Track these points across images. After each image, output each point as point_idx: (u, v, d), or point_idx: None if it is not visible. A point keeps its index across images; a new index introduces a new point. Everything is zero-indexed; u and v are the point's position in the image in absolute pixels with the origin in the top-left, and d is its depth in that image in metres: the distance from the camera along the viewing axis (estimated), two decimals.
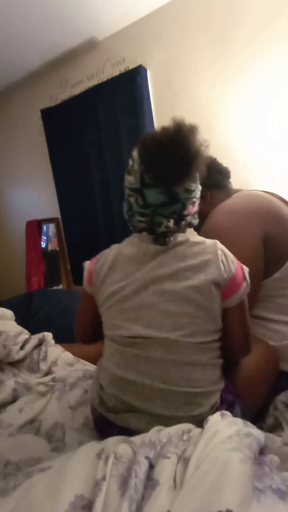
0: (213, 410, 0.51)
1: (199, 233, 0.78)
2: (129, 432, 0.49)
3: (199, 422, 0.47)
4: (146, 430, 0.46)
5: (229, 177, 0.91)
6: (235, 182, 0.94)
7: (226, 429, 0.38)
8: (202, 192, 0.80)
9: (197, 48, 1.45)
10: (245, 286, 0.52)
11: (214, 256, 0.51)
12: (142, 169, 0.50)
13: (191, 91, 1.49)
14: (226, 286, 0.51)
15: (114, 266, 0.55)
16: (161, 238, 0.51)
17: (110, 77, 1.70)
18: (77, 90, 1.84)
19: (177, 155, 0.46)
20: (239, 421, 0.44)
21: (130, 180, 0.53)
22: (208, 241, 0.54)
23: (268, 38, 1.27)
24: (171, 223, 0.51)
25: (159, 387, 0.49)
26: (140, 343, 0.51)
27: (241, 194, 0.81)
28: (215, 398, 0.52)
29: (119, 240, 0.67)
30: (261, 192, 0.79)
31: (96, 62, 1.77)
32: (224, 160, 0.93)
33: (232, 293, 0.51)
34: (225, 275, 0.50)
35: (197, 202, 0.57)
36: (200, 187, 0.57)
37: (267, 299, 0.75)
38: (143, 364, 0.50)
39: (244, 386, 0.59)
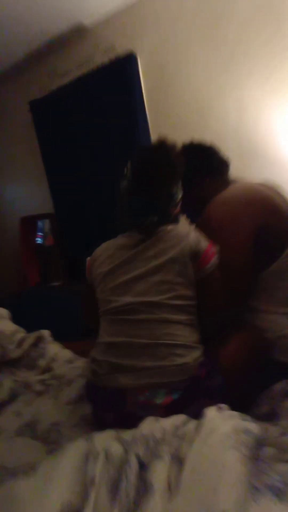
0: (197, 364, 0.57)
1: (198, 221, 0.78)
2: (119, 396, 0.55)
3: (184, 372, 0.55)
4: (133, 387, 0.54)
5: (229, 168, 0.92)
6: (230, 170, 0.92)
7: (223, 426, 0.38)
8: (200, 179, 0.84)
9: (189, 34, 1.39)
10: (215, 258, 0.65)
11: (186, 237, 0.64)
12: (132, 176, 0.67)
13: (184, 79, 1.45)
14: (199, 259, 0.63)
15: (108, 252, 0.68)
16: (145, 230, 0.64)
17: (99, 65, 1.64)
18: (66, 80, 1.78)
19: (159, 168, 0.65)
20: (235, 414, 0.43)
21: (124, 184, 0.68)
22: (181, 227, 0.68)
23: (262, 23, 1.22)
24: (155, 218, 0.64)
25: (146, 343, 0.57)
26: (129, 309, 0.61)
27: (237, 186, 0.82)
28: (197, 353, 0.59)
29: (113, 233, 0.74)
30: (256, 184, 0.79)
31: (84, 50, 1.71)
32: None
33: (205, 264, 0.64)
34: (197, 249, 0.63)
35: (179, 205, 0.71)
36: (180, 194, 0.70)
37: (264, 291, 0.75)
38: (132, 327, 0.59)
39: (230, 365, 0.61)
